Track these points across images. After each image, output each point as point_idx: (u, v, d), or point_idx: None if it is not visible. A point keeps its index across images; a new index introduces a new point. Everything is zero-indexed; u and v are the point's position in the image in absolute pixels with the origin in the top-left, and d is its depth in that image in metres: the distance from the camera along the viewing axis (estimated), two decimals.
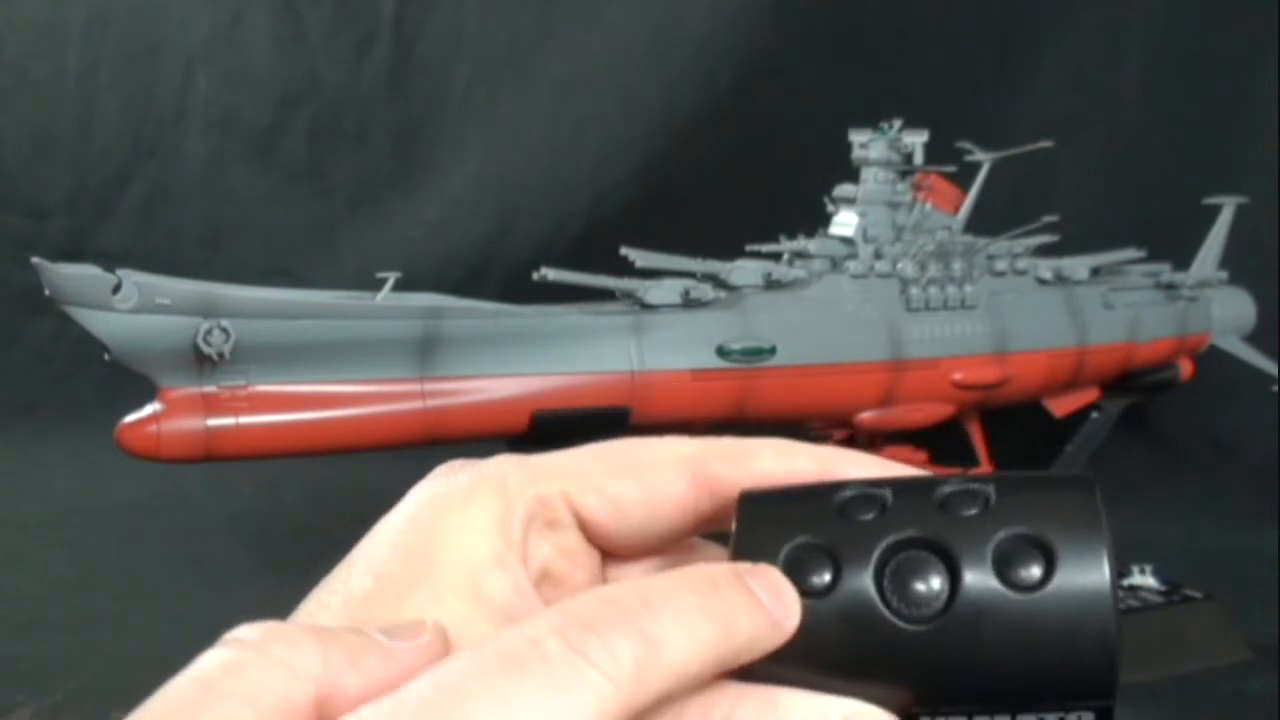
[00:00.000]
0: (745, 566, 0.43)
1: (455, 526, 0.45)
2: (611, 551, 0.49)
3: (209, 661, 0.40)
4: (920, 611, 0.42)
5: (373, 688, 0.40)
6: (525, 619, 0.44)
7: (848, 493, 0.44)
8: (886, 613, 0.42)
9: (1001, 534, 0.42)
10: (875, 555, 0.42)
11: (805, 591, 0.42)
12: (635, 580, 0.42)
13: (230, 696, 0.38)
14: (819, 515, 0.44)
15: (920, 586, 0.42)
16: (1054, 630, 0.41)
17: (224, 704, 0.38)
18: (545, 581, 0.47)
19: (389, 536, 0.45)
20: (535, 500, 0.46)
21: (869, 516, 0.43)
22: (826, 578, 0.42)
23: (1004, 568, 0.41)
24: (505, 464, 0.47)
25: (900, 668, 0.42)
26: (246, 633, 0.41)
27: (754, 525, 0.44)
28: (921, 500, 0.43)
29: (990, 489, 0.43)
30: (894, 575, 0.42)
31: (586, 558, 0.48)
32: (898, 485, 0.44)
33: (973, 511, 0.42)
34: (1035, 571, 0.41)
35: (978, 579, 0.41)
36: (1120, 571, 2.68)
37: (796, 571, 0.43)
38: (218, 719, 0.38)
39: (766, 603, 0.42)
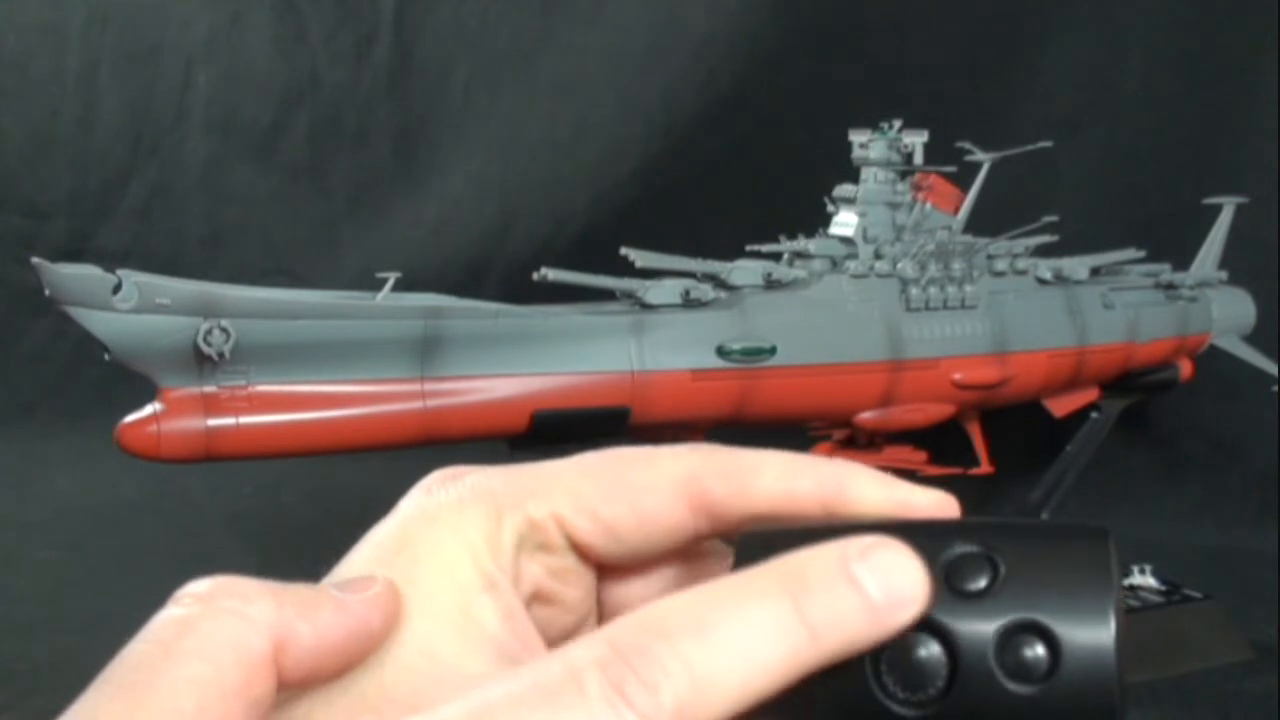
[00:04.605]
0: (857, 546, 0.39)
1: (444, 548, 0.44)
2: (608, 567, 0.47)
3: (162, 622, 0.39)
4: (916, 696, 0.39)
5: (326, 638, 0.40)
6: (514, 647, 0.43)
7: None
8: (880, 695, 0.40)
9: (1006, 620, 0.39)
10: None
11: None
12: (695, 592, 0.39)
13: (188, 656, 0.38)
14: None
15: (917, 669, 0.39)
16: None
17: (183, 664, 0.38)
18: (537, 601, 0.46)
19: (377, 554, 0.44)
20: (526, 523, 0.45)
21: None
22: None
23: (1006, 657, 0.39)
24: (494, 480, 0.46)
25: None
26: (196, 587, 0.40)
27: None
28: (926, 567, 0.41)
29: (1000, 560, 0.40)
30: (890, 654, 0.40)
31: (580, 576, 0.47)
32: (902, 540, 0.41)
33: (979, 585, 0.40)
34: (1039, 664, 0.39)
35: (978, 668, 0.39)
36: (1120, 573, 2.68)
37: None
38: (178, 680, 0.37)
39: (875, 593, 0.39)
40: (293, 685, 0.40)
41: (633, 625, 0.38)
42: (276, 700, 0.40)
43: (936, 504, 0.45)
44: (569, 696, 0.36)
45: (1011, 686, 0.39)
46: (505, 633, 0.43)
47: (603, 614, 0.49)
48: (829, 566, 0.39)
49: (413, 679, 0.41)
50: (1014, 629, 0.39)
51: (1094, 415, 3.15)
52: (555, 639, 0.47)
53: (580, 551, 0.46)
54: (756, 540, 0.43)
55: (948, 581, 0.40)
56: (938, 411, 2.84)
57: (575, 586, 0.47)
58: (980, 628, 0.39)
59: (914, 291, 2.79)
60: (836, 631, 0.38)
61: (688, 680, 0.36)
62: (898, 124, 2.84)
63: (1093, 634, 0.39)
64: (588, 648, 0.37)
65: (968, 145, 2.95)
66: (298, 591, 0.41)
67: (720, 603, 0.38)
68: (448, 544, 0.44)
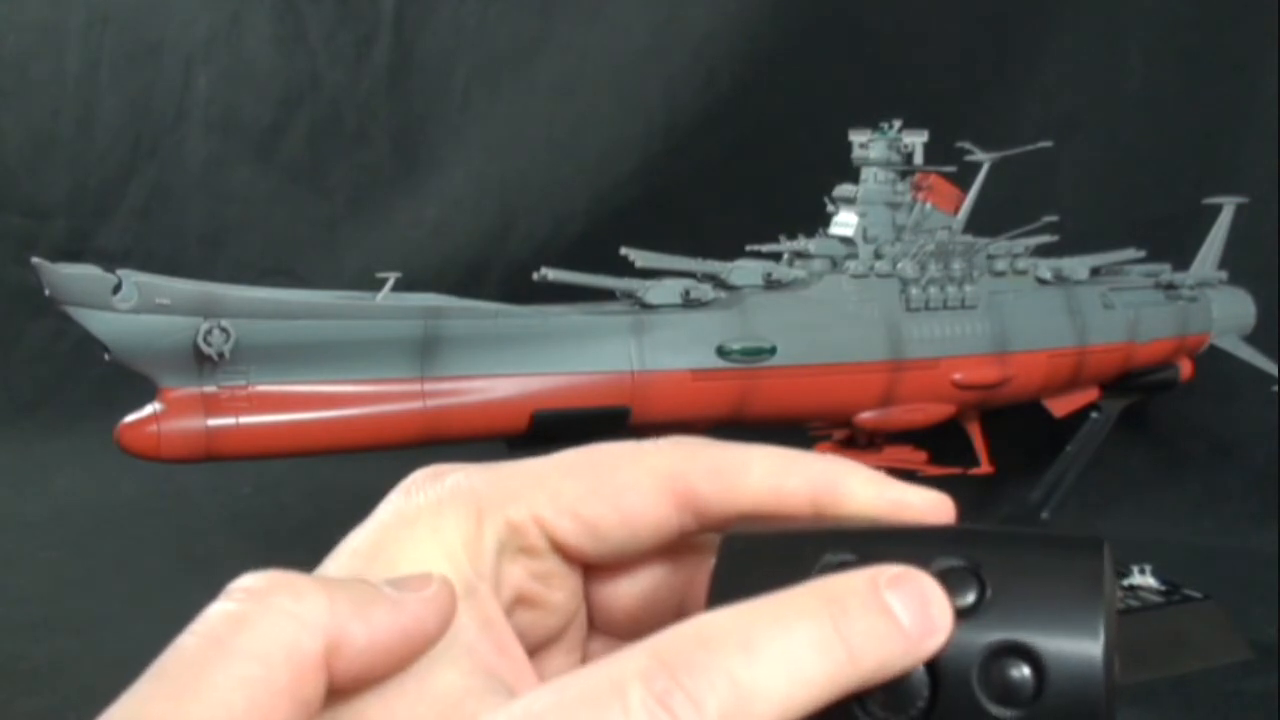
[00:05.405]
0: (887, 574, 0.39)
1: (421, 554, 0.43)
2: (594, 566, 0.47)
3: (215, 616, 0.38)
4: (896, 717, 0.38)
5: (380, 638, 0.39)
6: (492, 657, 0.42)
7: (832, 559, 0.40)
8: (861, 716, 0.39)
9: (990, 641, 0.38)
10: None
11: None
12: (736, 608, 0.38)
13: (240, 654, 0.37)
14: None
15: (898, 690, 0.38)
16: None
17: (235, 663, 0.37)
18: (520, 605, 0.45)
19: (353, 560, 0.43)
20: (506, 526, 0.44)
21: None
22: None
23: (990, 679, 0.38)
24: (475, 480, 0.45)
25: None
26: (251, 582, 0.39)
27: (733, 580, 0.41)
28: None
29: (987, 576, 0.39)
30: None
31: (564, 578, 0.46)
32: (886, 553, 0.40)
33: (965, 603, 0.39)
34: (1024, 688, 0.38)
35: (960, 690, 0.38)
36: (1120, 572, 2.68)
37: None
38: (229, 679, 0.37)
39: (906, 620, 0.38)
40: (344, 686, 0.39)
41: (676, 637, 0.37)
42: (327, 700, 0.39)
43: (931, 504, 0.44)
44: (611, 707, 0.35)
45: (994, 710, 0.38)
46: (482, 642, 0.42)
47: (591, 613, 0.48)
48: (863, 592, 0.38)
49: (383, 696, 0.40)
50: (999, 650, 0.38)
51: (1094, 415, 3.16)
52: (540, 642, 0.47)
53: (564, 552, 0.45)
54: (740, 543, 0.42)
55: None
56: (938, 411, 2.84)
57: (559, 589, 0.46)
58: (964, 648, 0.38)
59: (914, 291, 2.79)
60: (873, 655, 0.38)
61: (732, 693, 0.36)
62: (898, 124, 2.85)
63: (1080, 658, 0.38)
64: (630, 659, 0.36)
65: (968, 145, 2.96)
66: (352, 589, 0.40)
67: (763, 618, 0.37)
68: (425, 549, 0.43)
